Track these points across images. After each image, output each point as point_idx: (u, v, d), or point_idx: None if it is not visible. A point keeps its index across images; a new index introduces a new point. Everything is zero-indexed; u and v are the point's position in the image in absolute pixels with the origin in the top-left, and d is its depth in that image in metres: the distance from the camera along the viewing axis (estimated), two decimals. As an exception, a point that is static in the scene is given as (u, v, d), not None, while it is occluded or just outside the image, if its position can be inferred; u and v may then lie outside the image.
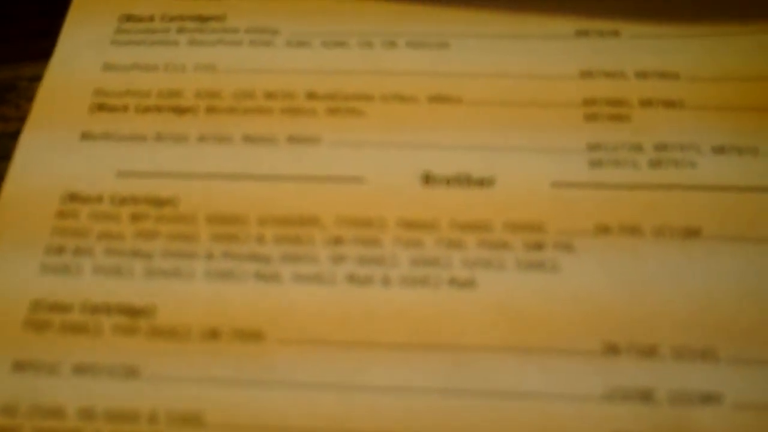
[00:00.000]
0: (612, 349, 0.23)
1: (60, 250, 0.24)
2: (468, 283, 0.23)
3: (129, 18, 0.28)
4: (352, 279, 0.23)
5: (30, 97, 0.26)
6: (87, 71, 0.27)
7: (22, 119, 0.26)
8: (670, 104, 0.26)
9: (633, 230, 0.24)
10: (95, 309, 0.23)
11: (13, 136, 0.26)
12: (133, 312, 0.23)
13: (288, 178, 0.25)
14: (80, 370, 0.22)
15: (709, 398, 0.22)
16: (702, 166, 0.25)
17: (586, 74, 0.27)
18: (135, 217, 0.24)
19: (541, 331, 0.23)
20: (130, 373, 0.22)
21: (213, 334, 0.22)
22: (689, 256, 0.24)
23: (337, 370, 0.22)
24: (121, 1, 0.28)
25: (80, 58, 0.27)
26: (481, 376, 0.22)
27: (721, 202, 0.25)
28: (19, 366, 0.22)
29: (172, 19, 0.28)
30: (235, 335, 0.22)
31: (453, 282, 0.23)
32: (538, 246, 0.24)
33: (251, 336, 0.22)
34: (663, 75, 0.27)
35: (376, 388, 0.22)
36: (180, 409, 0.21)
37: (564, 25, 0.28)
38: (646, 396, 0.22)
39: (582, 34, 0.28)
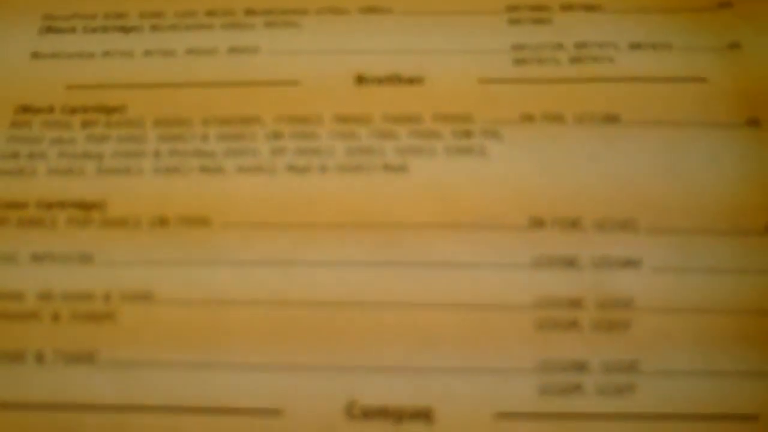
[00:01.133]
0: (537, 223, 0.24)
1: (15, 155, 0.25)
2: (400, 168, 0.25)
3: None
4: (291, 168, 0.25)
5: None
6: None
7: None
8: (590, 8, 0.28)
9: (555, 118, 0.26)
10: (50, 205, 0.24)
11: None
12: (85, 206, 0.24)
13: (229, 83, 0.26)
14: (37, 258, 0.23)
15: (629, 263, 0.24)
16: (619, 61, 0.27)
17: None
18: (85, 124, 0.25)
19: (470, 208, 0.24)
20: (85, 259, 0.23)
21: (162, 222, 0.24)
22: (609, 139, 0.25)
23: (277, 249, 0.23)
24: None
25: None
26: (414, 250, 0.24)
27: (638, 92, 0.26)
28: None
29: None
30: (183, 222, 0.24)
31: (386, 168, 0.25)
32: (466, 134, 0.25)
33: (198, 221, 0.24)
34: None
35: (314, 263, 0.23)
36: (132, 288, 0.23)
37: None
38: (570, 263, 0.24)
39: (506, -50, 0.29)
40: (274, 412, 0.22)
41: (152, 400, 0.22)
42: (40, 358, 0.22)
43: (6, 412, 0.22)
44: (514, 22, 0.28)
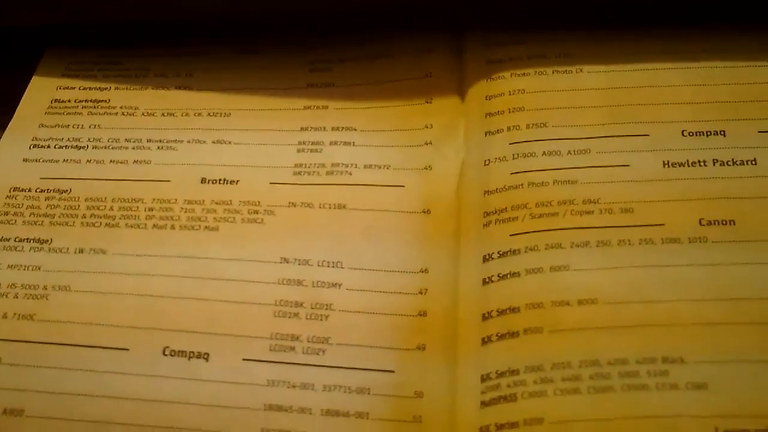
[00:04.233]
0: (285, 260, 0.43)
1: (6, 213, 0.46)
2: (214, 228, 0.45)
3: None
4: (155, 225, 0.45)
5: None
6: None
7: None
8: (347, 144, 0.48)
9: (308, 205, 0.45)
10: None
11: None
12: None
13: (131, 179, 0.46)
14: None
15: (334, 284, 0.43)
16: (356, 174, 0.46)
17: (304, 129, 0.49)
18: (47, 198, 0.46)
19: (251, 251, 0.44)
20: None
21: (81, 250, 0.44)
22: (337, 218, 0.45)
23: (144, 266, 0.43)
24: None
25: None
26: (216, 271, 0.43)
27: (362, 192, 0.46)
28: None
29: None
30: (94, 251, 0.44)
31: (207, 228, 0.45)
32: (255, 212, 0.45)
33: (98, 251, 0.44)
34: (346, 128, 0.48)
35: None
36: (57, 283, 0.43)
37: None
38: (299, 283, 0.43)
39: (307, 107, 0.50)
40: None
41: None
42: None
43: None
44: (300, 150, 0.48)
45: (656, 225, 0.43)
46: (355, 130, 0.48)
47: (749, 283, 0.40)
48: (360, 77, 0.50)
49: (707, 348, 0.39)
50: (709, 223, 0.42)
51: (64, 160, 0.48)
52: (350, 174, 0.46)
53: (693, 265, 0.41)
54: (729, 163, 0.44)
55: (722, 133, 0.45)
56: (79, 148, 0.48)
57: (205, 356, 0.41)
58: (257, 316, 0.42)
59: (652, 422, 0.38)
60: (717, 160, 0.45)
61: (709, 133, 0.46)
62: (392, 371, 0.41)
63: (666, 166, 0.44)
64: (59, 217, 0.45)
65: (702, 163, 0.45)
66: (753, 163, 0.44)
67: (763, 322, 0.39)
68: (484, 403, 0.39)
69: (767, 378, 0.38)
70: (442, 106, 0.49)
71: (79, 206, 0.46)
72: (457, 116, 0.48)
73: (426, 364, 0.41)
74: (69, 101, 0.50)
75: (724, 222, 0.42)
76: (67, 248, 0.44)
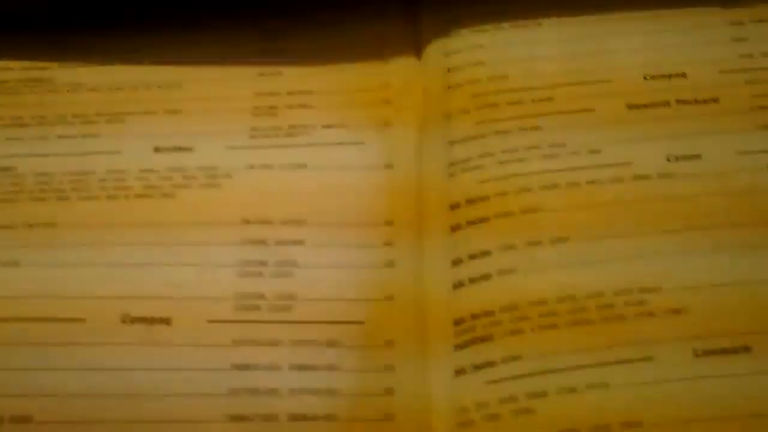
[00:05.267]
0: (245, 222, 0.42)
1: None
2: (170, 195, 0.43)
3: None
4: (108, 196, 0.43)
5: None
6: None
7: None
8: (304, 106, 0.47)
9: (267, 166, 0.44)
10: None
11: None
12: None
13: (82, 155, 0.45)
14: None
15: (297, 242, 0.41)
16: (314, 135, 0.45)
17: (259, 94, 0.47)
18: None
19: (209, 212, 0.42)
20: None
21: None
22: (298, 178, 0.44)
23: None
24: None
25: None
26: (172, 235, 0.41)
27: (322, 151, 0.44)
28: None
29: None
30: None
31: (163, 195, 0.43)
32: (213, 176, 0.44)
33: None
34: (302, 92, 0.47)
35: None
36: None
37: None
38: (261, 242, 0.41)
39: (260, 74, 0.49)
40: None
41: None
42: None
43: None
44: (255, 115, 0.46)
45: (624, 164, 0.42)
46: (312, 93, 0.48)
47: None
48: (313, 43, 0.50)
49: (687, 276, 0.38)
50: (677, 158, 0.42)
51: (6, 138, 0.46)
52: (309, 135, 0.45)
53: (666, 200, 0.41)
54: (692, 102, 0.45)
55: (683, 75, 0.46)
56: (22, 126, 0.47)
57: (167, 321, 0.39)
58: (220, 278, 0.40)
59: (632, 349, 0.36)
60: (679, 100, 0.45)
61: (670, 76, 0.46)
62: (362, 322, 0.39)
63: (630, 108, 0.44)
64: (3, 194, 0.43)
65: (666, 104, 0.45)
66: (715, 101, 0.45)
67: None
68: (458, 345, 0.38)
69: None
70: (399, 64, 0.48)
71: (25, 182, 0.44)
72: (414, 74, 0.48)
73: (396, 317, 0.39)
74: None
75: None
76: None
